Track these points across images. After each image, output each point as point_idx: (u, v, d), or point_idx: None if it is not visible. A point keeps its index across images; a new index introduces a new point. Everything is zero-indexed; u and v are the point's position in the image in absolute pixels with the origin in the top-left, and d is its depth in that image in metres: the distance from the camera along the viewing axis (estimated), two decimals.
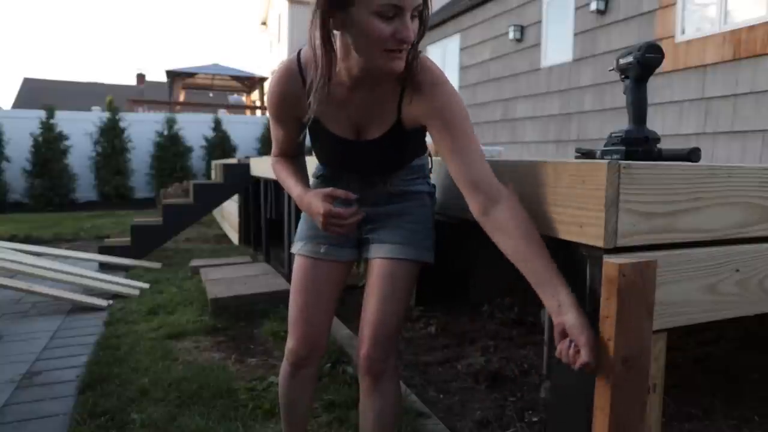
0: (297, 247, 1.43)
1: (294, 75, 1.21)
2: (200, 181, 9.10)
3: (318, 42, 1.07)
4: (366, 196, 1.35)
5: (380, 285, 1.31)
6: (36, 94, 23.88)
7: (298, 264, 1.42)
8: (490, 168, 1.12)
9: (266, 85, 10.56)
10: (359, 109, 1.21)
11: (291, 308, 1.41)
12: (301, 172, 1.41)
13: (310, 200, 1.25)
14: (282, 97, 1.24)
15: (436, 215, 1.46)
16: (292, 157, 1.43)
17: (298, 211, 1.47)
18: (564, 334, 0.96)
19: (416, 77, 1.13)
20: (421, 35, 1.09)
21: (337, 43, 1.11)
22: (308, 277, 1.39)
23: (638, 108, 1.31)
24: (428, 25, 1.10)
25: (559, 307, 0.96)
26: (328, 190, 1.23)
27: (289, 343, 1.41)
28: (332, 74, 1.11)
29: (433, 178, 1.49)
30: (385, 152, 1.25)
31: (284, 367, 1.45)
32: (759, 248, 1.10)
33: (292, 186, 1.34)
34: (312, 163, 1.47)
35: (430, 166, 1.44)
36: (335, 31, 1.09)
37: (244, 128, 11.32)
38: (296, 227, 1.49)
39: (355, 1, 1.01)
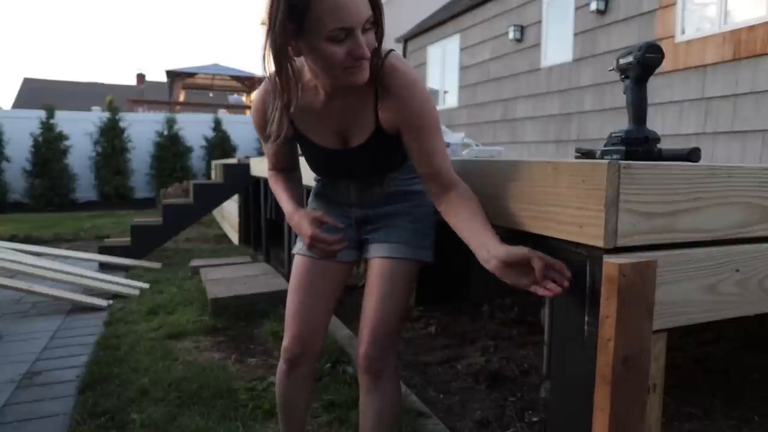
0: (297, 247, 1.44)
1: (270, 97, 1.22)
2: (200, 181, 9.11)
3: (273, 71, 1.09)
4: (364, 198, 1.36)
5: (379, 284, 1.32)
6: (36, 94, 23.89)
7: (296, 263, 1.43)
8: (450, 163, 1.21)
9: None
10: (339, 118, 1.22)
11: (288, 307, 1.42)
12: (293, 188, 1.43)
13: (300, 221, 1.31)
14: (262, 117, 1.26)
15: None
16: (287, 171, 1.45)
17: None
18: (507, 269, 1.02)
19: (385, 81, 1.14)
20: (379, 41, 1.10)
21: (306, 65, 1.15)
22: (306, 276, 1.40)
23: (638, 108, 1.31)
24: (383, 26, 1.10)
25: (488, 250, 1.06)
26: (318, 214, 1.30)
27: (285, 342, 1.41)
28: (290, 102, 1.14)
29: None
30: (371, 157, 1.26)
31: (280, 365, 1.45)
32: (759, 248, 1.10)
33: (283, 202, 1.40)
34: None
35: None
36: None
37: (244, 128, 11.30)
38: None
39: (305, 31, 1.03)
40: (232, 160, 6.25)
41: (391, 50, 1.17)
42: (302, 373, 1.44)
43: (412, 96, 1.14)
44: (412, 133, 1.17)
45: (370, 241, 1.38)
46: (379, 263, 1.34)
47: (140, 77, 29.72)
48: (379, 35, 1.10)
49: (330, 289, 1.42)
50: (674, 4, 4.73)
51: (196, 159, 10.94)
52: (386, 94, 1.15)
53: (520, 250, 1.01)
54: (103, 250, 4.87)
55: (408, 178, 1.37)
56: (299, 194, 1.43)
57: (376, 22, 1.08)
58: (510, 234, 1.23)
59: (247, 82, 16.86)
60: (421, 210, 1.37)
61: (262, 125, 1.28)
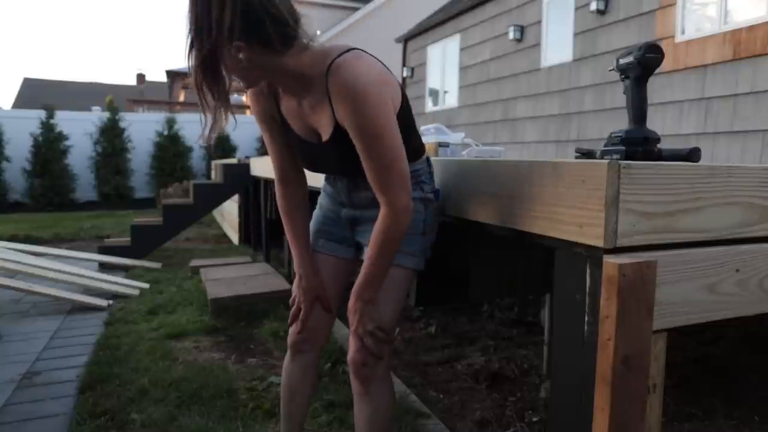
0: None
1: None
2: (200, 181, 9.10)
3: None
4: (353, 199, 1.39)
5: None
6: (36, 94, 23.87)
7: None
8: (391, 178, 1.16)
9: None
10: (307, 114, 1.26)
11: (294, 296, 1.51)
12: (301, 226, 1.46)
13: (298, 284, 1.46)
14: (254, 108, 1.35)
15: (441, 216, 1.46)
16: (294, 186, 1.45)
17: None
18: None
19: (330, 84, 1.14)
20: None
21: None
22: (309, 269, 1.46)
23: (638, 108, 1.31)
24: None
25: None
26: (311, 302, 1.44)
27: (290, 329, 1.50)
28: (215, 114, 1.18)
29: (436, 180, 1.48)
30: (340, 152, 1.25)
31: (287, 355, 1.53)
32: (759, 248, 1.10)
33: (292, 246, 1.46)
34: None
35: (430, 171, 1.41)
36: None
37: (244, 128, 11.29)
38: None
39: None
40: (232, 160, 6.25)
41: (349, 50, 1.16)
42: (305, 360, 1.49)
43: (347, 98, 1.12)
44: (351, 136, 1.16)
45: (363, 244, 1.40)
46: None
47: (140, 77, 29.69)
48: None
49: (332, 282, 1.48)
50: (674, 4, 4.73)
51: (196, 159, 10.93)
52: (332, 94, 1.15)
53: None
54: (103, 250, 4.87)
55: None
56: (305, 232, 1.46)
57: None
58: (510, 234, 1.23)
59: None
60: None
61: (258, 115, 1.35)
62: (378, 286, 1.27)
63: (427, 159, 1.41)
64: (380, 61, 1.21)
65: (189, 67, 1.12)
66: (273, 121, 1.34)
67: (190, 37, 1.08)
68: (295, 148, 1.38)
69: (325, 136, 1.24)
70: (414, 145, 1.32)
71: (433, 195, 1.39)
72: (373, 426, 1.35)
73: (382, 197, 1.19)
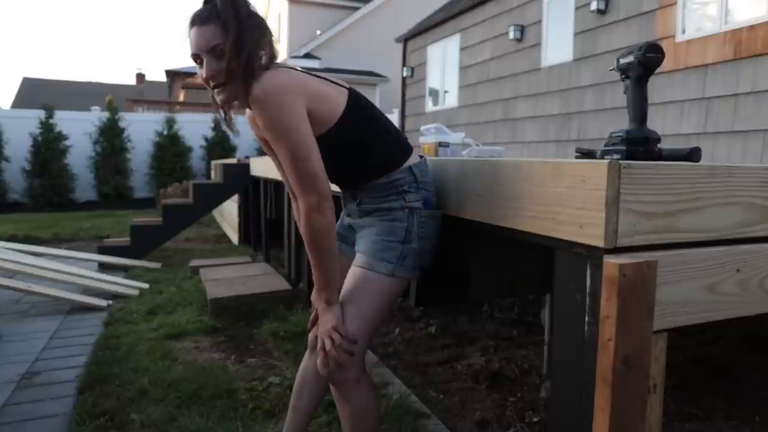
0: None
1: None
2: (200, 181, 9.10)
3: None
4: (348, 209, 1.49)
5: (343, 291, 1.36)
6: (35, 93, 23.86)
7: None
8: (300, 178, 1.24)
9: None
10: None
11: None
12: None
13: (316, 308, 1.41)
14: (250, 121, 1.45)
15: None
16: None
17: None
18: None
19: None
20: (231, 67, 1.21)
21: None
22: None
23: (639, 108, 1.30)
24: (249, 55, 1.22)
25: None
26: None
27: (309, 325, 1.52)
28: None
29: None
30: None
31: (306, 352, 1.59)
32: (760, 248, 1.10)
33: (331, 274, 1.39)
34: None
35: (417, 181, 1.38)
36: None
37: (244, 128, 11.23)
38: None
39: None
40: (232, 160, 6.24)
41: (275, 67, 1.26)
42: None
43: (258, 108, 1.22)
44: (269, 139, 1.26)
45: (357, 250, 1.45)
46: (350, 269, 1.40)
47: (140, 77, 29.67)
48: (230, 61, 1.20)
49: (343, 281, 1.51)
50: (675, 3, 4.72)
51: (196, 159, 10.93)
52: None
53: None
54: (102, 250, 4.87)
55: (379, 196, 1.39)
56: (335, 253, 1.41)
57: (226, 53, 1.20)
58: (510, 234, 1.23)
59: None
60: (388, 224, 1.37)
61: (258, 138, 1.46)
62: (329, 288, 1.30)
63: (410, 168, 1.38)
64: (314, 74, 1.32)
65: (230, 58, 1.21)
66: (266, 142, 1.45)
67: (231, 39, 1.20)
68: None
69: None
70: (382, 152, 1.37)
71: (421, 204, 1.37)
72: (354, 428, 1.38)
73: (298, 197, 1.27)
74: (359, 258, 1.38)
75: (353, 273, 1.37)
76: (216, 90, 1.25)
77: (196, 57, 1.24)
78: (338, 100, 1.30)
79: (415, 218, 1.37)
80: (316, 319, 1.42)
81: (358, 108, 1.33)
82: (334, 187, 1.57)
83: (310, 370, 1.55)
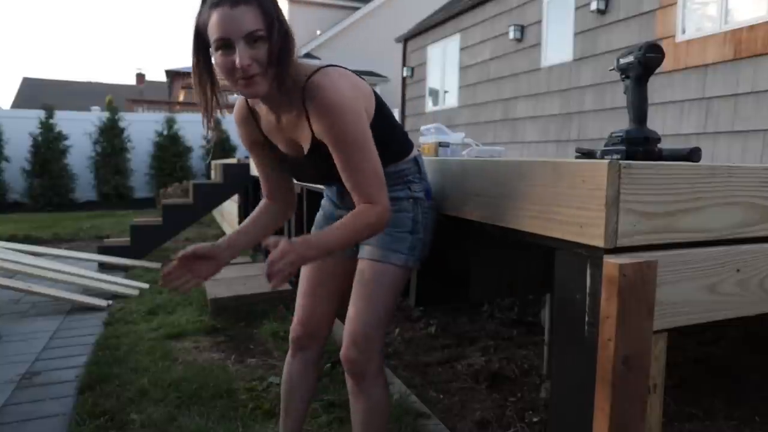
0: None
1: (244, 108, 1.35)
2: (200, 181, 9.10)
3: (196, 81, 1.19)
4: (345, 202, 1.42)
5: (358, 286, 1.36)
6: (35, 93, 23.85)
7: None
8: (374, 186, 1.21)
9: None
10: (287, 130, 1.29)
11: (297, 294, 1.53)
12: (255, 218, 1.47)
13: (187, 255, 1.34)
14: (240, 124, 1.38)
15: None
16: (278, 201, 1.48)
17: (298, 212, 1.51)
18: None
19: (306, 97, 1.18)
20: (273, 56, 1.11)
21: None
22: (313, 267, 1.50)
23: (639, 108, 1.30)
24: (287, 44, 1.14)
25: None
26: (191, 251, 1.29)
27: (292, 325, 1.52)
28: (211, 111, 1.22)
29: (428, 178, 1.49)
30: (319, 165, 1.29)
31: (289, 352, 1.55)
32: (760, 248, 1.10)
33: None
34: None
35: (419, 172, 1.42)
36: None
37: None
38: (296, 228, 1.53)
39: (210, 45, 1.13)
40: (232, 160, 6.24)
41: (327, 66, 1.21)
42: (305, 358, 1.52)
43: (326, 114, 1.16)
44: (330, 147, 1.21)
45: (359, 243, 1.42)
46: (360, 264, 1.38)
47: (140, 77, 29.66)
48: (272, 50, 1.11)
49: (335, 280, 1.51)
50: (675, 3, 4.72)
51: (196, 159, 10.93)
52: (310, 109, 1.19)
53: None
54: (102, 250, 4.87)
55: None
56: (254, 226, 1.45)
57: (266, 37, 1.10)
58: (510, 234, 1.23)
59: None
60: (394, 214, 1.36)
61: (245, 140, 1.39)
62: (319, 253, 1.18)
63: (415, 159, 1.41)
64: (352, 71, 1.26)
65: (271, 51, 1.12)
66: (257, 144, 1.38)
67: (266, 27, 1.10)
68: (281, 163, 1.41)
69: (305, 149, 1.28)
70: (395, 147, 1.36)
71: (423, 194, 1.40)
72: (369, 425, 1.36)
73: (365, 201, 1.21)
74: (370, 251, 1.36)
75: (368, 267, 1.35)
76: (243, 81, 1.12)
77: (222, 42, 1.09)
78: (372, 99, 1.29)
79: (420, 208, 1.39)
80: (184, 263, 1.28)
81: (382, 105, 1.32)
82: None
83: (296, 372, 1.53)
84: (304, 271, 1.52)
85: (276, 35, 1.11)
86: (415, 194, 1.38)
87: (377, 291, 1.33)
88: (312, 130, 1.23)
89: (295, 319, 1.52)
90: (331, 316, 1.53)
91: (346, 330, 1.34)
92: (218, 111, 1.24)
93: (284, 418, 1.54)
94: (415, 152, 1.43)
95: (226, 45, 1.09)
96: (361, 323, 1.32)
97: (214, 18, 1.09)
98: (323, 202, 1.58)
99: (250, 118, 1.35)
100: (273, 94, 1.19)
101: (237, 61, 1.08)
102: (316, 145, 1.24)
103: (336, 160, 1.21)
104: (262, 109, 1.30)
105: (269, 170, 1.44)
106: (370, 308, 1.32)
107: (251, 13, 1.08)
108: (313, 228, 1.56)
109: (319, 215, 1.57)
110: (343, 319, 1.40)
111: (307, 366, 1.53)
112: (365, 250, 1.38)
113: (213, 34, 1.09)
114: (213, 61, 1.16)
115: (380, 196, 1.21)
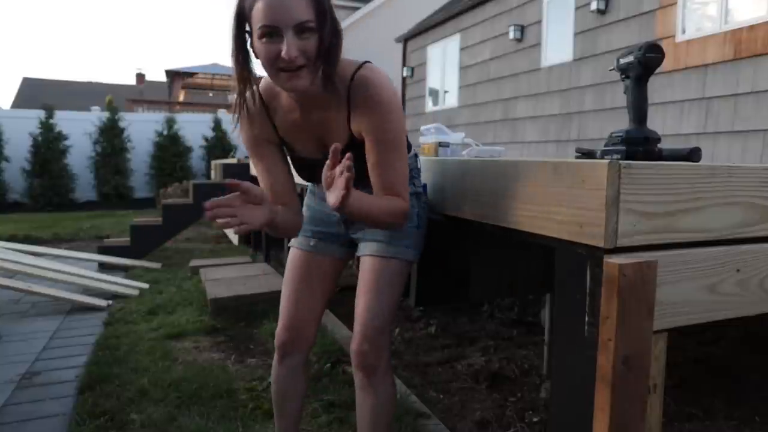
0: (293, 241, 1.50)
1: (257, 103, 1.28)
2: (200, 181, 9.10)
3: (236, 69, 1.15)
4: None
5: (366, 281, 1.35)
6: (35, 93, 23.84)
7: (291, 256, 1.50)
8: (401, 178, 1.23)
9: None
10: (316, 129, 1.26)
11: (281, 297, 1.48)
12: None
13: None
14: (248, 120, 1.29)
15: (433, 214, 1.47)
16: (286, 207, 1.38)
17: None
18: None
19: (355, 92, 1.17)
20: (323, 49, 1.09)
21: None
22: (299, 269, 1.47)
23: (639, 108, 1.30)
24: (337, 39, 1.12)
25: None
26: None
27: (277, 330, 1.48)
28: (245, 101, 1.20)
29: (424, 177, 1.50)
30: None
31: (275, 357, 1.51)
32: (760, 248, 1.10)
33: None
34: None
35: (418, 167, 1.46)
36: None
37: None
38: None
39: (251, 30, 1.10)
40: (232, 160, 6.24)
41: (366, 62, 1.20)
42: (292, 363, 1.49)
43: (376, 110, 1.16)
44: (369, 144, 1.20)
45: (359, 240, 1.42)
46: (365, 261, 1.37)
47: (140, 77, 29.66)
48: (323, 43, 1.09)
49: (321, 282, 1.47)
50: (675, 3, 4.72)
51: (196, 159, 10.93)
52: (356, 104, 1.18)
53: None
54: (102, 250, 4.87)
55: None
56: (284, 212, 1.33)
57: (316, 29, 1.07)
58: (510, 234, 1.23)
59: None
60: None
61: (251, 140, 1.32)
62: (352, 210, 1.11)
63: (415, 154, 1.43)
64: None
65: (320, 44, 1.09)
66: (264, 143, 1.31)
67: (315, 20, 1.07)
68: (293, 162, 1.38)
69: (339, 146, 1.21)
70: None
71: (422, 189, 1.44)
72: (376, 421, 1.35)
73: (395, 197, 1.22)
74: (377, 247, 1.35)
75: (376, 262, 1.34)
76: (286, 74, 1.08)
77: (269, 29, 1.05)
78: None
79: (420, 203, 1.41)
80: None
81: None
82: (300, 181, 1.50)
83: (284, 378, 1.50)
84: (288, 275, 1.48)
85: (327, 29, 1.09)
86: (417, 189, 1.41)
87: (385, 286, 1.33)
88: (350, 127, 1.21)
89: (280, 323, 1.47)
90: (317, 319, 1.49)
91: (357, 325, 1.33)
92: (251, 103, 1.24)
93: (279, 420, 1.53)
94: (413, 148, 1.44)
95: (272, 33, 1.05)
96: (371, 317, 1.32)
97: (262, 3, 1.04)
98: (309, 201, 1.51)
99: (263, 114, 1.28)
100: (313, 89, 1.15)
101: (284, 51, 1.04)
102: (351, 143, 1.22)
103: (369, 156, 1.20)
104: (282, 105, 1.25)
105: (271, 170, 1.34)
106: (380, 302, 1.32)
107: (303, 3, 1.05)
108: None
109: (306, 214, 1.49)
110: (342, 318, 1.40)
111: (296, 372, 1.49)
112: (371, 247, 1.37)
113: (259, 20, 1.05)
114: (251, 47, 1.12)
115: (406, 195, 1.24)
